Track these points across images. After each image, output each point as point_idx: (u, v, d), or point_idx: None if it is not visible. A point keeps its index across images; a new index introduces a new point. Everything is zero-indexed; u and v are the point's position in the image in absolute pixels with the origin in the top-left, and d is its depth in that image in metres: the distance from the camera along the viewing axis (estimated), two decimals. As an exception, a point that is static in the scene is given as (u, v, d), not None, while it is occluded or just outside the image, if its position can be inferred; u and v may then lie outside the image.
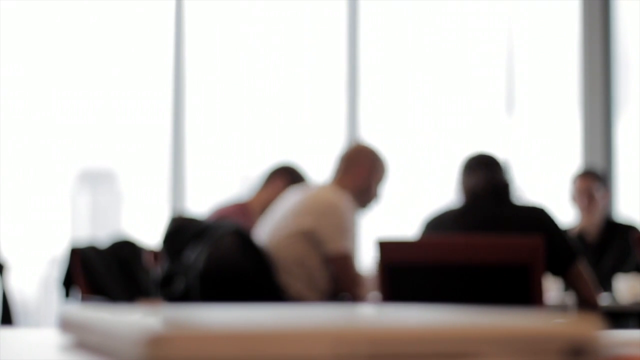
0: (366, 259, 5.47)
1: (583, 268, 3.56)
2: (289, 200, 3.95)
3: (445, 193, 3.99)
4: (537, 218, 3.51)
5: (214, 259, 3.58)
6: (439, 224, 3.67)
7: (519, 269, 3.06)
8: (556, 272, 3.51)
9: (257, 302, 3.54)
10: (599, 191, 5.13)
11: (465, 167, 3.72)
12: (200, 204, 6.10)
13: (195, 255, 3.62)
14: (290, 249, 3.82)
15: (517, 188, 3.71)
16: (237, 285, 3.61)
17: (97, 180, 6.83)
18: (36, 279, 6.62)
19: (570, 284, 3.59)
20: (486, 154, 3.77)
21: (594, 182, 5.15)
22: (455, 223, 3.61)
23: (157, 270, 3.80)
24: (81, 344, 0.67)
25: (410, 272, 3.16)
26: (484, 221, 3.54)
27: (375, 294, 3.64)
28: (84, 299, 4.01)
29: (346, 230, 3.82)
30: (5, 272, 3.62)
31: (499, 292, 3.09)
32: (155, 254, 4.01)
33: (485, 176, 3.65)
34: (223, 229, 3.67)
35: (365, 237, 6.16)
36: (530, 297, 3.05)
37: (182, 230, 3.71)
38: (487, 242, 3.15)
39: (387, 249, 3.19)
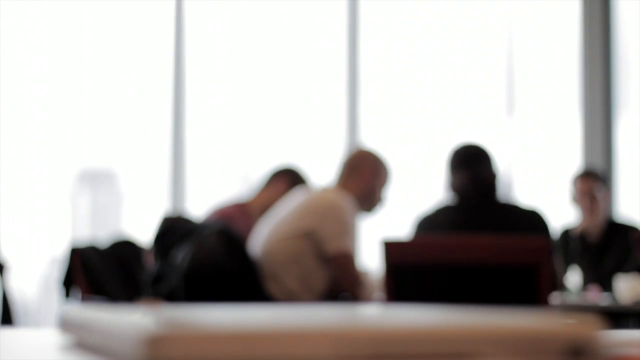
0: (366, 260, 5.47)
1: (555, 262, 3.68)
2: (291, 201, 3.96)
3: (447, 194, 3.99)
4: (532, 222, 3.53)
5: (198, 258, 3.59)
6: (430, 225, 3.68)
7: (525, 270, 3.06)
8: None
9: (239, 302, 3.54)
10: (600, 192, 5.13)
11: (451, 165, 3.72)
12: (200, 204, 6.10)
13: (181, 255, 3.62)
14: (287, 247, 3.82)
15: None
16: (220, 285, 3.62)
17: (97, 180, 6.83)
18: (36, 279, 6.62)
19: None
20: (470, 147, 3.76)
21: (595, 182, 5.15)
22: (447, 225, 3.62)
23: (149, 270, 3.81)
24: (81, 344, 0.67)
25: (415, 272, 3.15)
26: (476, 223, 3.56)
27: (380, 294, 3.64)
28: (84, 299, 4.01)
29: (347, 230, 3.82)
30: (5, 272, 3.62)
31: (505, 293, 3.08)
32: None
33: (470, 175, 3.65)
34: (209, 229, 3.67)
35: (366, 238, 6.16)
36: (536, 298, 3.05)
37: (171, 230, 3.72)
38: (493, 242, 3.14)
39: (393, 249, 3.19)
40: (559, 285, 3.83)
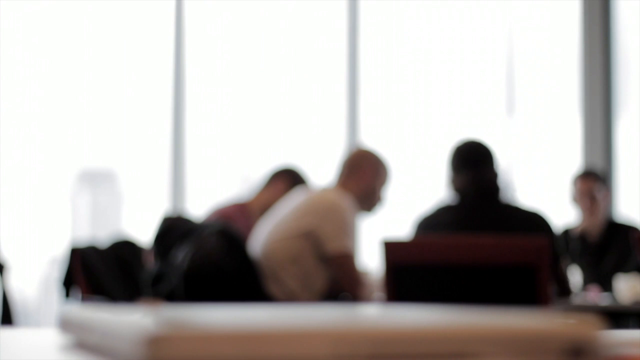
0: (366, 260, 5.47)
1: (563, 265, 3.77)
2: (291, 201, 3.96)
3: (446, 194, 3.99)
4: (535, 223, 3.53)
5: (198, 258, 3.59)
6: (430, 225, 3.67)
7: (525, 270, 3.05)
8: None
9: (239, 302, 3.54)
10: (600, 192, 5.13)
11: (453, 164, 3.69)
12: (200, 204, 6.10)
13: (181, 255, 3.62)
14: (287, 247, 3.82)
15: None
16: (220, 285, 3.61)
17: (97, 180, 6.83)
18: (36, 279, 6.62)
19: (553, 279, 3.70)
20: (473, 146, 3.74)
21: (595, 182, 5.15)
22: (448, 225, 3.61)
23: (149, 270, 3.81)
24: (81, 344, 0.67)
25: (415, 272, 3.15)
26: (478, 224, 3.55)
27: (380, 294, 3.64)
28: (84, 299, 4.01)
29: (347, 230, 3.82)
30: (5, 272, 3.61)
31: (504, 293, 3.08)
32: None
33: (473, 175, 3.63)
34: (209, 229, 3.67)
35: (366, 238, 6.16)
36: (536, 297, 3.05)
37: (171, 230, 3.72)
38: (493, 242, 3.14)
39: (393, 249, 3.18)
40: (568, 290, 3.83)
